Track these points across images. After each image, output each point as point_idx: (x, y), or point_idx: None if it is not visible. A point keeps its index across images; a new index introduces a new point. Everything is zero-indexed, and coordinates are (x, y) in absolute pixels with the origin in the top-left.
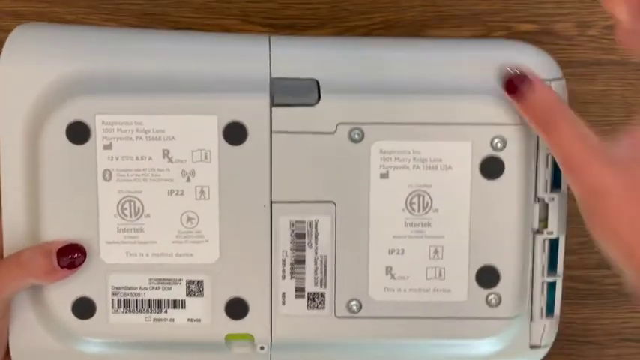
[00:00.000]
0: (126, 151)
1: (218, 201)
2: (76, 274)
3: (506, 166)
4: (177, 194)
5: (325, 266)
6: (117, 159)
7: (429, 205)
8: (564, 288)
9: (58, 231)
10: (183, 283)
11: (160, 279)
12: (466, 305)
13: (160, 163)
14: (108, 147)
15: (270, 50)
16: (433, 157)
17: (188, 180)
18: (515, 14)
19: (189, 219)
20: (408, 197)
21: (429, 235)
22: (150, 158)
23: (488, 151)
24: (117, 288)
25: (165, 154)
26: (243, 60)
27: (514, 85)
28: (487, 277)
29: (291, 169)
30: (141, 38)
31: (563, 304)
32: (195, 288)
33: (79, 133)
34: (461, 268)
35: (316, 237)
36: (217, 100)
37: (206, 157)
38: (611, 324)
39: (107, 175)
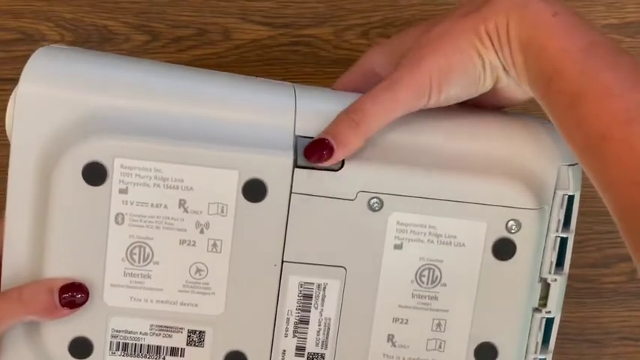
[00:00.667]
0: (141, 197)
1: (229, 255)
2: (77, 314)
3: (518, 248)
4: (188, 244)
5: (328, 328)
6: (131, 204)
7: (438, 279)
8: None
9: (62, 269)
10: (185, 332)
11: (161, 326)
12: None
13: (175, 212)
14: (124, 191)
15: (295, 104)
16: (448, 233)
17: (202, 232)
18: None
19: (198, 270)
20: (418, 270)
21: (434, 308)
22: (165, 206)
23: (502, 233)
24: (117, 331)
25: (182, 203)
26: (269, 113)
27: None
28: (485, 353)
29: (306, 231)
30: (169, 76)
31: None
32: (196, 338)
33: (95, 174)
34: (461, 343)
35: (323, 299)
36: (240, 154)
37: (222, 211)
38: (609, 323)
39: (119, 219)
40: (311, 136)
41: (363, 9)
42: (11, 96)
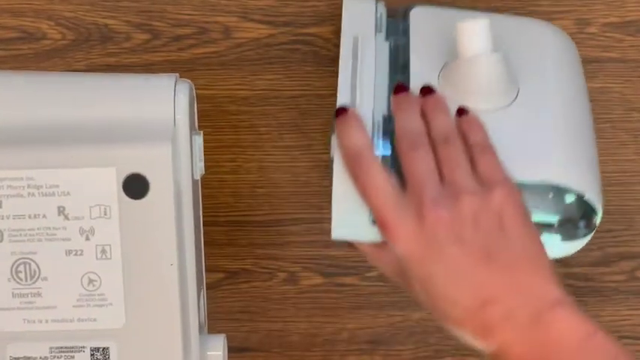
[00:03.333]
0: (17, 209)
1: (121, 260)
2: None
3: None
4: (75, 254)
5: None
6: (8, 218)
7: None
8: (564, 285)
9: None
10: (87, 350)
11: (61, 347)
12: None
13: (56, 220)
14: None
15: (175, 93)
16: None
17: (87, 238)
18: (514, 11)
19: (90, 281)
20: None
21: None
22: (44, 216)
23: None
24: (15, 358)
25: (61, 210)
26: (145, 105)
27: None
28: None
29: None
30: (26, 83)
31: None
32: (100, 356)
33: None
34: None
35: None
36: (115, 149)
37: (106, 213)
38: (610, 321)
39: None
40: None
41: None
42: None
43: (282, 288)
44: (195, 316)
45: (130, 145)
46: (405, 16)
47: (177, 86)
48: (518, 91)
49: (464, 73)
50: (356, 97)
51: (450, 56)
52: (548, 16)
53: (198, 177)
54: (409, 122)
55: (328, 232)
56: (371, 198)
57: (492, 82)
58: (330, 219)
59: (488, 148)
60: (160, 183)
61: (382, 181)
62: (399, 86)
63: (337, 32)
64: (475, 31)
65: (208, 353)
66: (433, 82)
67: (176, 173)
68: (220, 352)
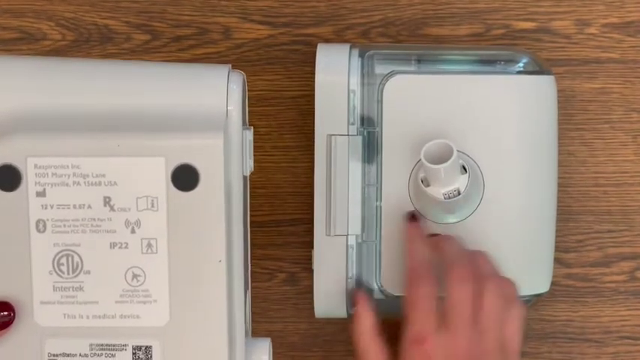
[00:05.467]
0: (62, 199)
1: (167, 255)
2: (8, 339)
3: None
4: (120, 247)
5: None
6: (52, 207)
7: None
8: (564, 286)
9: None
10: (129, 349)
11: (102, 345)
12: None
13: (101, 211)
14: (41, 194)
15: (228, 84)
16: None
17: (133, 231)
18: (513, 12)
19: (134, 276)
20: None
21: None
22: (89, 206)
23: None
24: (54, 355)
25: (107, 201)
26: (198, 95)
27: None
28: None
29: None
30: (77, 70)
31: (562, 302)
32: (142, 355)
33: (8, 177)
34: None
35: None
36: (166, 139)
37: (153, 205)
38: (609, 322)
39: (41, 226)
40: None
41: (364, 8)
42: None
43: (282, 288)
44: (241, 317)
45: (181, 134)
46: (382, 85)
47: (230, 77)
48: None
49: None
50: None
51: (423, 138)
52: (548, 16)
53: (247, 173)
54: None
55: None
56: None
57: (454, 203)
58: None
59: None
60: (210, 175)
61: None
62: (412, 216)
63: (338, 33)
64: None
65: (253, 357)
66: (405, 176)
67: (227, 166)
68: (266, 356)
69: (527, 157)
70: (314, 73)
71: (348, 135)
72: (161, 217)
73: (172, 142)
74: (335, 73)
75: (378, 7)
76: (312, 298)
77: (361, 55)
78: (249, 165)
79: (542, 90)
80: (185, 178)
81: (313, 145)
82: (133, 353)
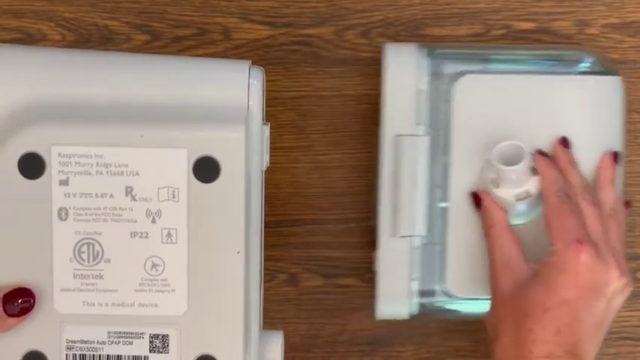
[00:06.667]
0: (84, 188)
1: (186, 246)
2: (27, 325)
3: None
4: (141, 237)
5: None
6: (74, 196)
7: None
8: None
9: (6, 276)
10: (147, 337)
11: (120, 332)
12: None
13: (123, 201)
14: (64, 182)
15: (249, 78)
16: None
17: (153, 221)
18: (514, 12)
19: (154, 265)
20: None
21: None
22: (111, 196)
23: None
24: (72, 342)
25: (129, 191)
26: (219, 88)
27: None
28: None
29: None
30: (102, 62)
31: None
32: (159, 343)
33: (32, 166)
34: None
35: None
36: (188, 131)
37: (174, 196)
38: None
39: (63, 214)
40: None
41: (364, 9)
42: None
43: (282, 289)
44: (256, 309)
45: (203, 126)
46: (450, 85)
47: (250, 72)
48: None
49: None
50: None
51: (492, 138)
52: (548, 17)
53: (264, 168)
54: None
55: (329, 233)
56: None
57: (523, 204)
58: (330, 220)
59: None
60: (231, 167)
61: None
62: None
63: (338, 33)
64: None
65: (267, 348)
66: (473, 177)
67: (247, 160)
68: (279, 348)
69: (595, 157)
70: (314, 73)
71: (415, 135)
72: (181, 208)
73: (195, 134)
74: (404, 72)
75: (378, 8)
76: (312, 299)
77: (429, 55)
78: (266, 160)
79: (609, 90)
80: (206, 169)
81: (312, 145)
82: (150, 341)
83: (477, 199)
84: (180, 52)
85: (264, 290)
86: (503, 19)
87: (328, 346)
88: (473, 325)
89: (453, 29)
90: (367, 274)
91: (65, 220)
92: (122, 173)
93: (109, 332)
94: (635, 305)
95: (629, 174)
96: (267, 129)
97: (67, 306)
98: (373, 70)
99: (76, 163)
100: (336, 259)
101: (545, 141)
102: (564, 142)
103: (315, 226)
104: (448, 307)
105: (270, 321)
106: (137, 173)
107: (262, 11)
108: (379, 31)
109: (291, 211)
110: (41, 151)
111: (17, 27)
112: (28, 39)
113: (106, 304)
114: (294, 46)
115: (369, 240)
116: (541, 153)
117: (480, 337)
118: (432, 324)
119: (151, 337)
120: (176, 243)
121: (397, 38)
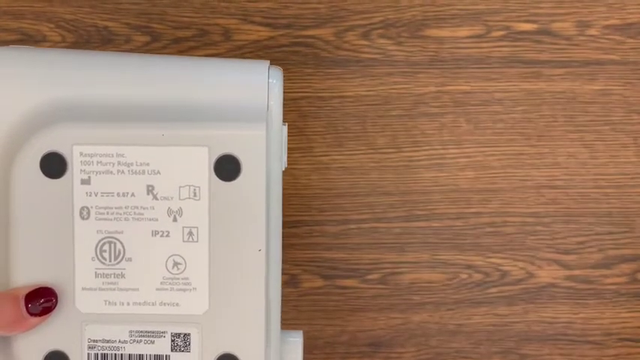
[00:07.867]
0: (106, 187)
1: (208, 244)
2: (48, 325)
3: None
4: (162, 235)
5: None
6: (96, 195)
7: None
8: (565, 288)
9: (28, 275)
10: (168, 336)
11: (142, 331)
12: None
13: (144, 200)
14: (86, 181)
15: (268, 77)
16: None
17: (175, 219)
18: (514, 13)
19: (175, 264)
20: None
21: None
22: (132, 194)
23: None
24: (94, 341)
25: (150, 190)
26: (239, 87)
27: None
28: None
29: None
30: (124, 62)
31: (563, 304)
32: (181, 342)
33: (54, 165)
34: None
35: None
36: (209, 129)
37: (195, 194)
38: (610, 324)
39: (85, 213)
40: None
41: (364, 10)
42: None
43: (283, 291)
44: (277, 307)
45: (224, 125)
46: None
47: (270, 72)
48: None
49: None
50: None
51: None
52: (549, 18)
53: (283, 168)
54: None
55: (329, 234)
56: None
57: None
58: (330, 221)
59: None
60: (252, 166)
61: None
62: None
63: (338, 34)
64: None
65: (287, 347)
66: None
67: (267, 159)
68: (299, 347)
69: None
70: (315, 74)
71: None
72: (203, 207)
73: (216, 132)
74: None
75: (379, 9)
76: (312, 300)
77: None
78: (284, 160)
79: None
80: (227, 168)
81: (312, 146)
82: (172, 340)
83: None
84: (180, 53)
85: None
86: (504, 20)
87: (328, 348)
88: (473, 327)
89: (453, 30)
90: (367, 276)
91: (87, 219)
92: (143, 172)
93: (130, 331)
94: (636, 307)
95: (630, 174)
96: (285, 129)
97: (89, 305)
98: (374, 71)
99: (97, 162)
100: (336, 260)
101: None
102: None
103: (315, 227)
104: None
105: None
106: (158, 172)
107: (262, 12)
108: (380, 33)
109: (291, 212)
110: (63, 151)
111: (17, 28)
112: (28, 40)
113: (128, 304)
114: (295, 48)
115: (370, 241)
116: None
117: (480, 338)
118: (433, 325)
119: (172, 335)
120: (197, 241)
121: (398, 40)
